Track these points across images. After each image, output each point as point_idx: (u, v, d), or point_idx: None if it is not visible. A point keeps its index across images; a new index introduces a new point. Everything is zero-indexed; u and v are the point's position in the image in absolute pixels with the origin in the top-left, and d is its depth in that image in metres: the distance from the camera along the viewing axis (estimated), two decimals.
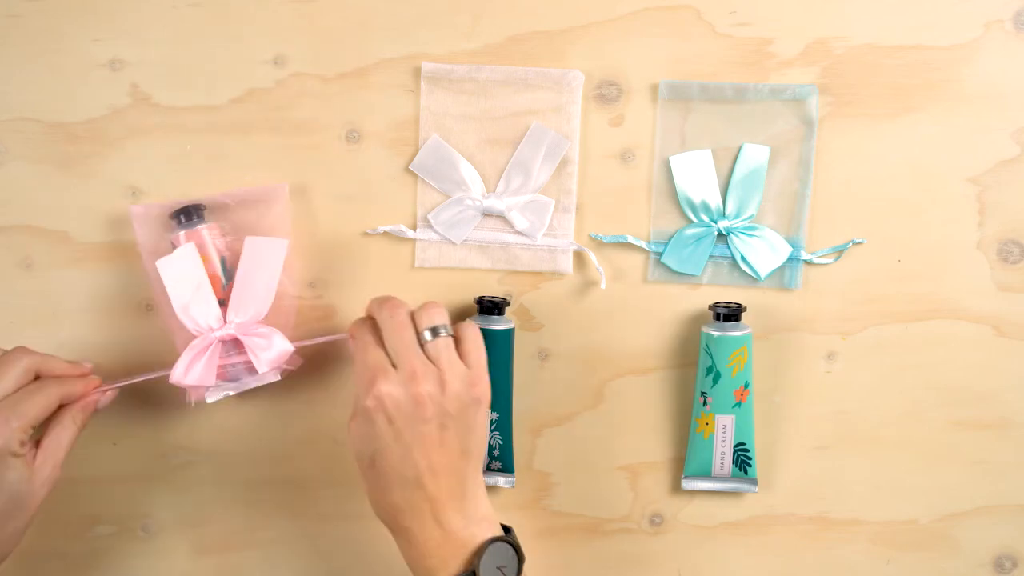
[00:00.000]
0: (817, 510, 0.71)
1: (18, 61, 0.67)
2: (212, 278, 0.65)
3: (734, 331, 0.66)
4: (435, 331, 0.58)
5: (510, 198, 0.67)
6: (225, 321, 0.65)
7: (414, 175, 0.68)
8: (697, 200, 0.68)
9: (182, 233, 0.65)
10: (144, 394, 0.70)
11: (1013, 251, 0.68)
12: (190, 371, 0.65)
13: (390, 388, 0.56)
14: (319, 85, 0.68)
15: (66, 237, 0.69)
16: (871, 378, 0.69)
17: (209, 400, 0.67)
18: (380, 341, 0.59)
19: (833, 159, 0.68)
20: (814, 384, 0.70)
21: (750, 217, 0.68)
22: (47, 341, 0.69)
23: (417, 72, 0.67)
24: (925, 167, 0.68)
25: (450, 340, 0.58)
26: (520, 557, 0.58)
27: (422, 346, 0.58)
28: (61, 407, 0.61)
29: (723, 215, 0.68)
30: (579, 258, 0.69)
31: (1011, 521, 0.70)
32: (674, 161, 0.68)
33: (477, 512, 0.58)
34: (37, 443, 0.60)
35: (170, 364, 0.69)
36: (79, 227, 0.69)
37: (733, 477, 0.69)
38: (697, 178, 0.68)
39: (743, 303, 0.67)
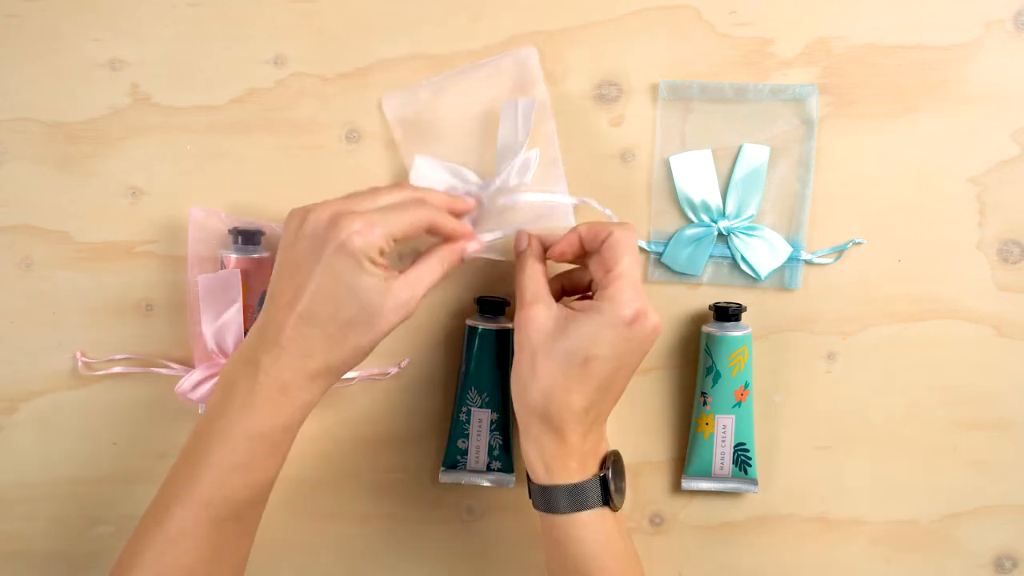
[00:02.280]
0: (817, 510, 0.71)
1: (18, 61, 0.67)
2: (247, 308, 0.66)
3: (734, 331, 0.67)
4: None
5: (506, 172, 0.66)
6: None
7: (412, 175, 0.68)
8: (697, 200, 0.68)
9: (234, 256, 0.66)
10: (144, 394, 0.70)
11: (1013, 251, 0.68)
12: (198, 388, 0.66)
13: (650, 312, 0.59)
14: (319, 85, 0.68)
15: (66, 237, 0.69)
16: (871, 378, 0.69)
17: (202, 412, 0.68)
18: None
19: (833, 159, 0.68)
20: (814, 384, 0.70)
21: (750, 217, 0.68)
22: (47, 341, 0.69)
23: (417, 72, 0.67)
24: (925, 167, 0.68)
25: None
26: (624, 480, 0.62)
27: None
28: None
29: (723, 215, 0.68)
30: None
31: (1011, 521, 0.70)
32: (674, 161, 0.68)
33: (605, 431, 0.62)
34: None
35: (172, 362, 0.69)
36: (79, 227, 0.69)
37: (733, 477, 0.69)
38: (697, 178, 0.68)
39: (743, 303, 0.67)
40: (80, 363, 0.69)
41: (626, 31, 0.67)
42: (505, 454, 0.68)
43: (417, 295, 0.58)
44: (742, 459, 0.68)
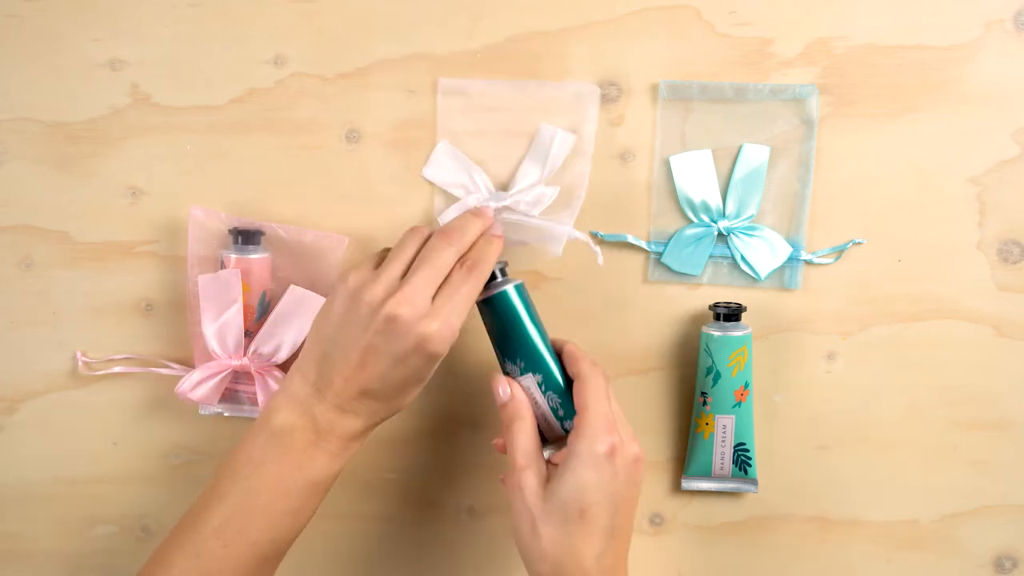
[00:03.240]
0: (817, 510, 0.71)
1: (18, 61, 0.67)
2: (247, 308, 0.66)
3: (734, 331, 0.66)
4: None
5: (518, 195, 0.67)
6: (246, 352, 0.66)
7: (414, 175, 0.68)
8: (697, 200, 0.68)
9: (235, 256, 0.66)
10: (144, 394, 0.70)
11: (1013, 251, 0.68)
12: (198, 388, 0.66)
13: (621, 443, 0.58)
14: (319, 85, 0.68)
15: (66, 237, 0.69)
16: (871, 378, 0.69)
17: (202, 412, 0.68)
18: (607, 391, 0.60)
19: (833, 159, 0.68)
20: (814, 384, 0.70)
21: (750, 217, 0.68)
22: (47, 341, 0.69)
23: (417, 72, 0.67)
24: (925, 167, 0.68)
25: None
26: None
27: None
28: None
29: (723, 215, 0.68)
30: (577, 251, 0.68)
31: (1011, 521, 0.70)
32: (674, 161, 0.68)
33: None
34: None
35: (172, 362, 0.69)
36: (79, 227, 0.69)
37: (733, 477, 0.69)
38: (697, 178, 0.68)
39: (743, 303, 0.67)
40: (80, 363, 0.69)
41: (626, 31, 0.67)
42: (567, 401, 0.62)
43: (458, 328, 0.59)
44: (742, 459, 0.68)
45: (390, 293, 0.57)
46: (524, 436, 0.59)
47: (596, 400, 0.59)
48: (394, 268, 0.59)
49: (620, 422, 0.59)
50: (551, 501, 0.57)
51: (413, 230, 0.61)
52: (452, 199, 0.68)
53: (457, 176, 0.67)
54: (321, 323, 0.60)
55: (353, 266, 0.60)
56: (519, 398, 0.61)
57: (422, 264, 0.58)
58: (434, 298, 0.58)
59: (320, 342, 0.59)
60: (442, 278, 0.58)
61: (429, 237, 0.60)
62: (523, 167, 0.67)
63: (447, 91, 0.67)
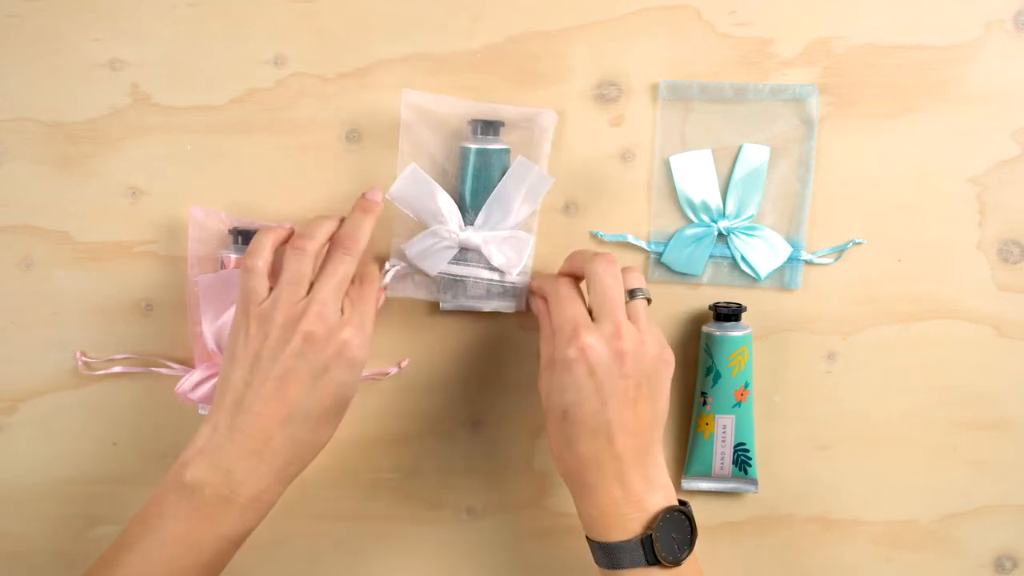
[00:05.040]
0: (817, 510, 0.71)
1: (18, 61, 0.67)
2: None
3: (734, 331, 0.66)
4: (633, 293, 0.60)
5: (488, 232, 0.65)
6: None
7: None
8: (697, 200, 0.68)
9: (235, 256, 0.65)
10: (144, 394, 0.70)
11: (1013, 251, 0.68)
12: (198, 388, 0.66)
13: (593, 341, 0.57)
14: (319, 85, 0.68)
15: (66, 237, 0.69)
16: (871, 378, 0.69)
17: (202, 412, 0.68)
18: (579, 295, 0.61)
19: (833, 159, 0.68)
20: (814, 384, 0.70)
21: (750, 217, 0.68)
22: (47, 341, 0.69)
23: (417, 72, 0.67)
24: (925, 167, 0.68)
25: (646, 303, 0.61)
26: (694, 531, 0.59)
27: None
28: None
29: (723, 215, 0.68)
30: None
31: (1011, 521, 0.70)
32: (674, 161, 0.68)
33: (657, 478, 0.59)
34: None
35: (172, 361, 0.69)
36: (79, 227, 0.69)
37: (733, 477, 0.69)
38: (697, 178, 0.68)
39: (743, 303, 0.67)
40: (80, 363, 0.69)
41: (626, 31, 0.67)
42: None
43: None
44: (742, 459, 0.68)
45: (300, 313, 0.58)
46: (546, 337, 0.61)
47: (559, 306, 0.60)
48: (294, 288, 0.59)
49: (611, 311, 0.58)
50: (545, 402, 0.60)
51: (294, 247, 0.60)
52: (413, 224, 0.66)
53: (424, 203, 0.64)
54: (228, 368, 0.59)
55: (244, 298, 0.60)
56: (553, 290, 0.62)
57: (324, 278, 0.59)
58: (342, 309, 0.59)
59: (230, 388, 0.58)
60: (344, 288, 0.60)
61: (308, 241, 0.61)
62: (492, 197, 0.65)
63: (410, 104, 0.66)
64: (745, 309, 0.67)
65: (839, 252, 0.69)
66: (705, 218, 0.68)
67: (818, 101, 0.67)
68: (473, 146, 0.65)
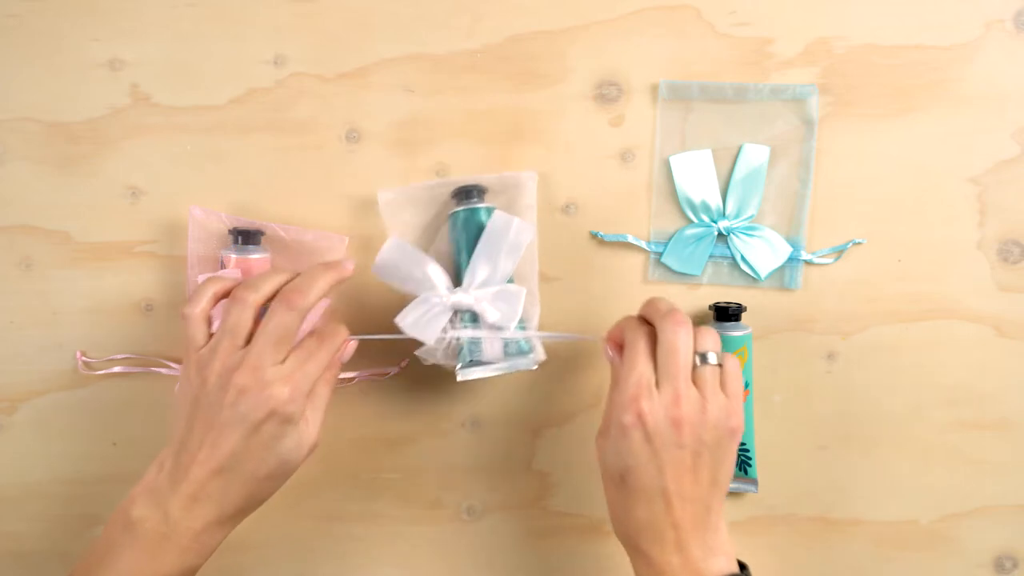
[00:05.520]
0: (817, 510, 0.71)
1: (18, 61, 0.67)
2: None
3: (734, 331, 0.66)
4: (704, 357, 0.59)
5: (478, 291, 0.64)
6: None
7: (412, 176, 0.68)
8: (697, 200, 0.68)
9: (235, 256, 0.65)
10: (144, 394, 0.70)
11: (1013, 251, 0.68)
12: None
13: (650, 407, 0.57)
14: (319, 85, 0.68)
15: (66, 237, 0.69)
16: (871, 378, 0.69)
17: None
18: (652, 352, 0.59)
19: (833, 159, 0.68)
20: (814, 384, 0.70)
21: (750, 217, 0.68)
22: (47, 341, 0.69)
23: (417, 72, 0.67)
24: (925, 167, 0.68)
25: (717, 369, 0.59)
26: None
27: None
28: None
29: (723, 215, 0.68)
30: (577, 251, 0.69)
31: (1011, 521, 0.70)
32: (674, 161, 0.68)
33: (717, 544, 0.58)
34: None
35: (171, 362, 0.69)
36: (79, 227, 0.69)
37: (733, 477, 0.69)
38: (697, 178, 0.68)
39: (743, 303, 0.67)
40: (80, 363, 0.69)
41: (626, 31, 0.67)
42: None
43: (320, 428, 0.60)
44: (742, 459, 0.68)
45: (236, 364, 0.57)
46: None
47: (627, 368, 0.58)
48: (231, 339, 0.58)
49: (673, 377, 0.57)
50: (602, 466, 0.59)
51: (234, 299, 0.59)
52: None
53: (410, 273, 0.63)
54: (177, 411, 0.59)
55: (185, 344, 0.60)
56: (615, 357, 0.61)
57: (261, 332, 0.58)
58: (287, 359, 0.58)
59: (178, 430, 0.59)
60: (285, 342, 0.58)
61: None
62: (475, 255, 0.64)
63: (387, 201, 0.66)
64: (745, 309, 0.67)
65: (839, 252, 0.69)
66: (705, 218, 0.68)
67: (818, 101, 0.67)
68: (460, 208, 0.65)
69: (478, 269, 0.63)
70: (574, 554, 0.71)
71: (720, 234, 0.68)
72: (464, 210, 0.65)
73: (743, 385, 0.60)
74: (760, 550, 0.71)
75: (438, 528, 0.71)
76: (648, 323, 0.60)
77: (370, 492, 0.71)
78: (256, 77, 0.68)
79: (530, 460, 0.71)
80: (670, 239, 0.69)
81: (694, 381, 0.58)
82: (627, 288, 0.69)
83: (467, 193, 0.65)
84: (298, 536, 0.71)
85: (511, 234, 0.63)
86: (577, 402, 0.70)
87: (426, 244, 0.67)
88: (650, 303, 0.60)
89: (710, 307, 0.68)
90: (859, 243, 0.68)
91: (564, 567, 0.71)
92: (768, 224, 0.68)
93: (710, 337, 0.59)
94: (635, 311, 0.69)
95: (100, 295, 0.69)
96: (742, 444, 0.68)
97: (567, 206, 0.69)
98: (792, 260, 0.68)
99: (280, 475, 0.59)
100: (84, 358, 0.69)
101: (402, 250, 0.63)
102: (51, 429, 0.70)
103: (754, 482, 0.69)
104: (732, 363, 0.60)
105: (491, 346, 0.64)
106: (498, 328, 0.64)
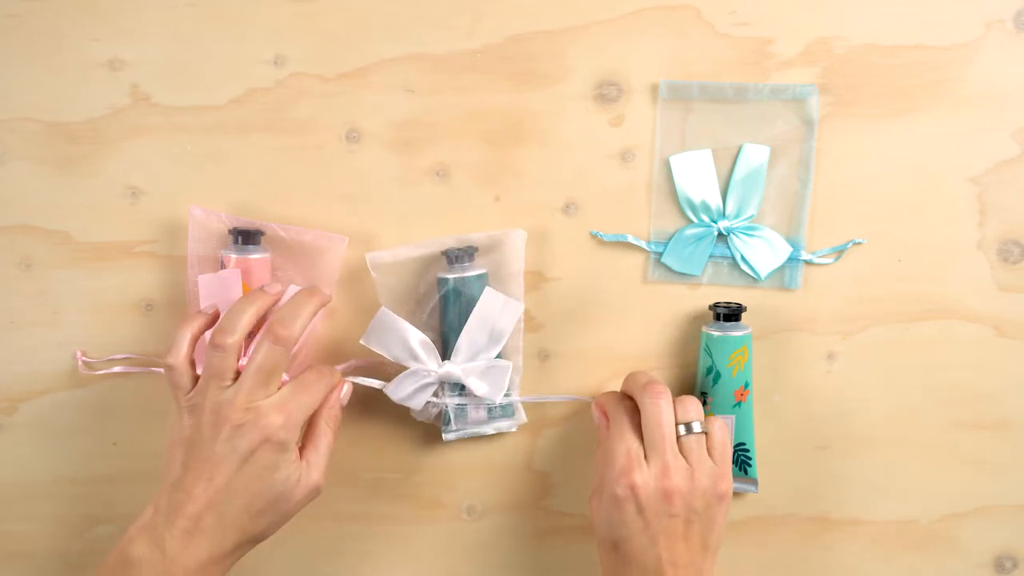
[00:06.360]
0: (817, 510, 0.71)
1: (18, 61, 0.67)
2: None
3: (734, 331, 0.66)
4: (688, 427, 0.61)
5: (467, 365, 0.65)
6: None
7: (412, 176, 0.68)
8: (697, 200, 0.68)
9: (235, 256, 0.65)
10: (144, 394, 0.70)
11: (1013, 251, 0.68)
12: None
13: (642, 480, 0.59)
14: (319, 85, 0.68)
15: (66, 237, 0.69)
16: (871, 378, 0.69)
17: None
18: (636, 425, 0.61)
19: (833, 159, 0.68)
20: (814, 384, 0.70)
21: (750, 217, 0.68)
22: (47, 341, 0.69)
23: (417, 72, 0.67)
24: (925, 167, 0.68)
25: (702, 437, 0.61)
26: None
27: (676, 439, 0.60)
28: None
29: (723, 215, 0.68)
30: (577, 251, 0.69)
31: (1011, 521, 0.70)
32: (674, 161, 0.68)
33: None
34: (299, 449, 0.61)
35: None
36: (79, 227, 0.69)
37: (734, 477, 0.69)
38: (697, 178, 0.68)
39: (743, 303, 0.67)
40: (80, 363, 0.69)
41: (626, 31, 0.67)
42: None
43: (323, 471, 0.61)
44: (742, 459, 0.68)
45: (227, 403, 0.58)
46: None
47: (616, 435, 0.61)
48: (218, 382, 0.59)
49: (660, 449, 0.59)
50: (596, 531, 0.61)
51: (213, 347, 0.59)
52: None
53: (400, 345, 0.64)
54: (170, 452, 0.60)
55: (173, 391, 0.61)
56: (603, 422, 0.64)
57: (249, 368, 0.59)
58: (281, 389, 0.59)
59: (172, 469, 0.59)
60: (275, 377, 0.59)
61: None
62: (463, 335, 0.65)
63: (376, 264, 0.66)
64: (745, 309, 0.67)
65: (839, 252, 0.69)
66: (705, 218, 0.68)
67: (818, 101, 0.67)
68: (450, 276, 0.65)
69: (467, 343, 0.65)
70: (574, 554, 0.71)
71: (720, 234, 0.68)
72: (455, 279, 0.65)
73: (731, 446, 0.63)
74: (760, 550, 0.71)
75: (438, 528, 0.71)
76: (630, 397, 0.63)
77: (370, 492, 0.71)
78: (256, 77, 0.68)
79: (530, 460, 0.71)
80: (670, 239, 0.69)
81: (681, 450, 0.60)
82: (627, 288, 0.69)
83: (458, 256, 0.65)
84: (298, 536, 0.71)
85: (501, 314, 0.65)
86: (577, 402, 0.70)
87: (414, 306, 0.67)
88: (630, 377, 0.64)
89: (710, 307, 0.68)
90: (859, 243, 0.68)
91: (564, 567, 0.71)
92: (768, 224, 0.68)
93: (692, 406, 0.61)
94: (636, 311, 0.69)
95: (100, 295, 0.69)
96: (743, 444, 0.68)
97: (567, 206, 0.69)
98: (792, 260, 0.68)
99: (274, 511, 0.59)
100: (84, 358, 0.69)
101: (392, 322, 0.64)
102: (51, 429, 0.70)
103: (754, 482, 0.69)
104: (717, 427, 0.62)
105: (476, 411, 0.67)
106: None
